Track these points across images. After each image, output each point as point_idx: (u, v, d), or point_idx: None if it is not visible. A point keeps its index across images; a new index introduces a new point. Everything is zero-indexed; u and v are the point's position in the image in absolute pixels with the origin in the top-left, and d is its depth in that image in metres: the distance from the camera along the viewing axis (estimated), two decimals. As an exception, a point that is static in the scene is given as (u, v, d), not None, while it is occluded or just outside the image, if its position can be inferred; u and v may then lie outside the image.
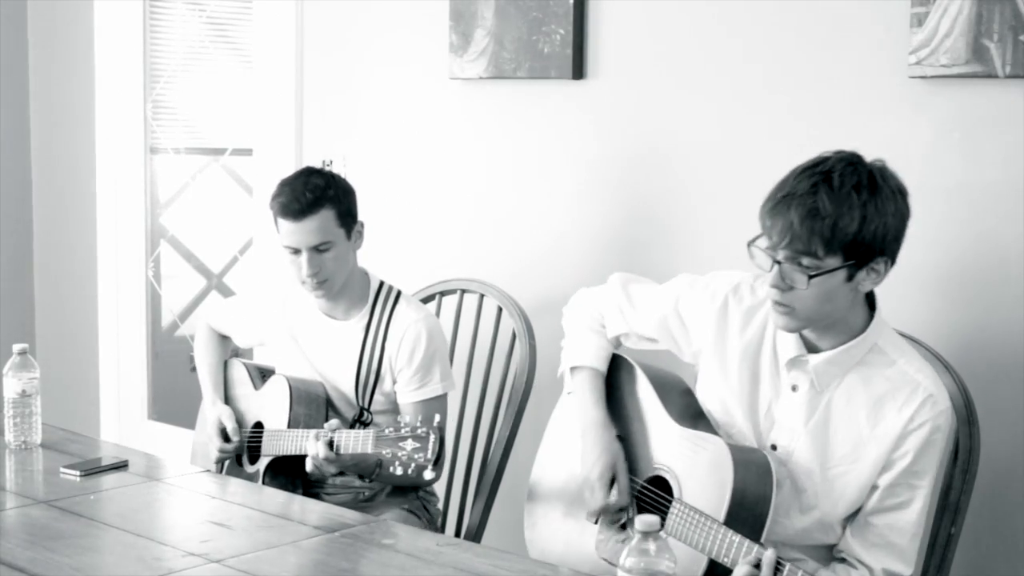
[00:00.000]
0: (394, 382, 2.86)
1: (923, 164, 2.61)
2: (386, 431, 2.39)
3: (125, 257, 4.52)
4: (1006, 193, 2.50)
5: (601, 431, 2.38)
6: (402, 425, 2.38)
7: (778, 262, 2.08)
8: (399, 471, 2.36)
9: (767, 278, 2.11)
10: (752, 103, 2.86)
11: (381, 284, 2.92)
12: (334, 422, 2.64)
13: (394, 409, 2.87)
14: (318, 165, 3.76)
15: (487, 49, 3.29)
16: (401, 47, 3.55)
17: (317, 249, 2.76)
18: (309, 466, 2.62)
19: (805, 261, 2.05)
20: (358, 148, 3.67)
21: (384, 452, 2.38)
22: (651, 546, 1.73)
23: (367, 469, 2.70)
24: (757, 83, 2.85)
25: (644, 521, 1.74)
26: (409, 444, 2.34)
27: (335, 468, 2.60)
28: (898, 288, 2.66)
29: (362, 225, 2.87)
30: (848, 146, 2.60)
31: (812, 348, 2.19)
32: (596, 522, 2.38)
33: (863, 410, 2.15)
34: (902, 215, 2.09)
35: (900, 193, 2.09)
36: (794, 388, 2.21)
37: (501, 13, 3.25)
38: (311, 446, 2.60)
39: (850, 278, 2.08)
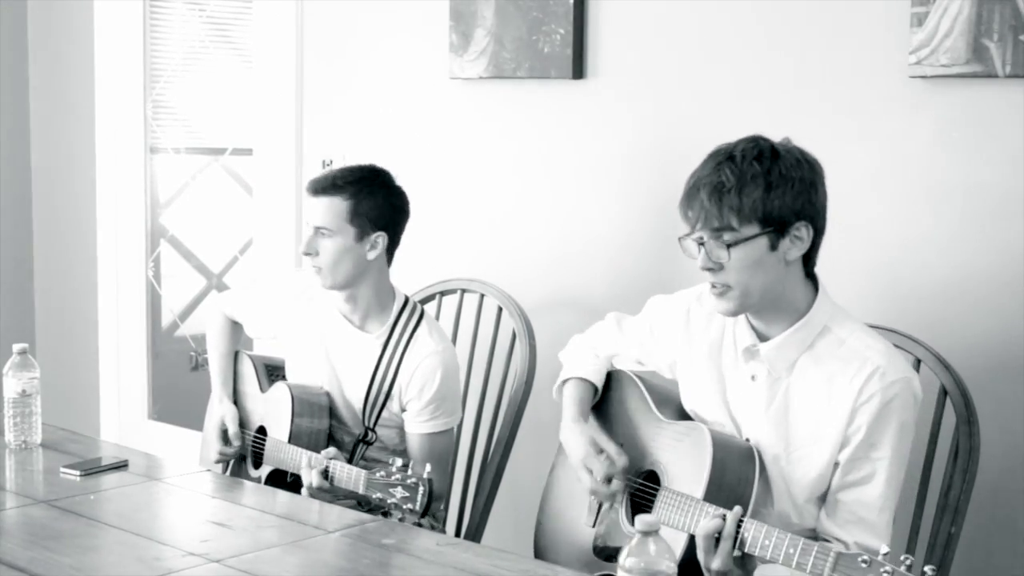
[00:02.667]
0: (403, 409, 2.84)
1: (923, 164, 2.62)
2: (378, 475, 2.40)
3: (125, 257, 4.52)
4: (1006, 193, 2.50)
5: (572, 425, 2.45)
6: (394, 471, 2.38)
7: (701, 244, 2.16)
8: (390, 514, 2.41)
9: (698, 263, 2.18)
10: (752, 103, 2.86)
11: (406, 301, 2.88)
12: (331, 450, 2.63)
13: (401, 426, 2.86)
14: (319, 165, 3.77)
15: (487, 49, 3.29)
16: (401, 47, 3.55)
17: (318, 230, 2.78)
18: (305, 493, 2.61)
19: (725, 236, 2.14)
20: (358, 148, 3.66)
21: (374, 496, 2.40)
22: (651, 546, 1.74)
23: (366, 499, 2.70)
24: (757, 83, 2.85)
25: (644, 521, 1.75)
26: (399, 492, 2.35)
27: (329, 497, 2.58)
28: (899, 288, 2.66)
29: (382, 239, 2.80)
30: (848, 146, 2.61)
31: (763, 337, 2.25)
32: (594, 524, 2.40)
33: (818, 391, 2.19)
34: (810, 180, 2.17)
35: (807, 162, 2.18)
36: (753, 378, 2.26)
37: (501, 13, 3.25)
38: (306, 473, 2.60)
39: (773, 247, 2.15)
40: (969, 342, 2.55)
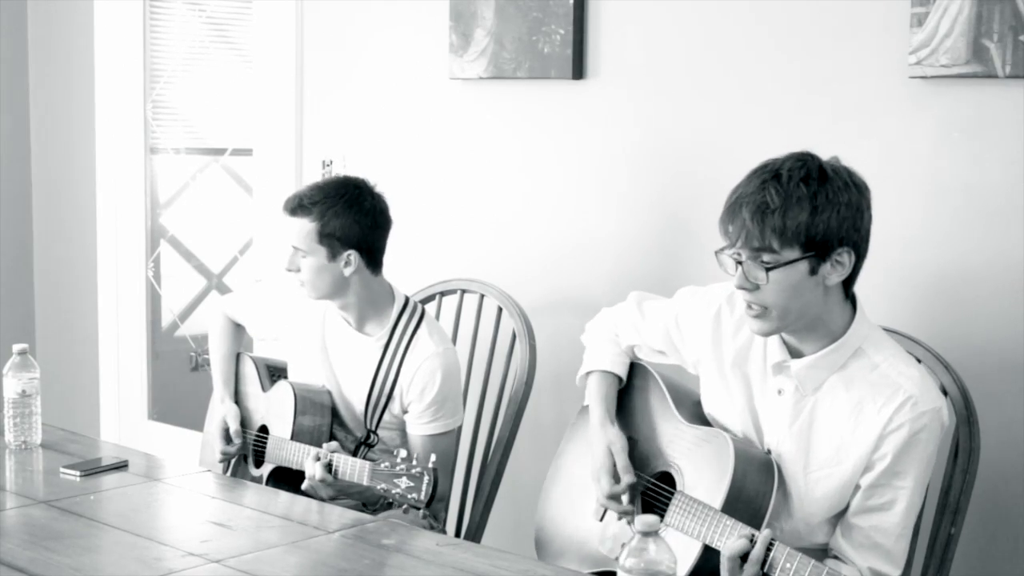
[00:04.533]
0: (404, 411, 2.85)
1: (923, 164, 2.62)
2: (382, 466, 2.40)
3: (125, 257, 4.52)
4: (1006, 193, 2.50)
5: (598, 428, 2.43)
6: (399, 461, 2.38)
7: (739, 262, 2.12)
8: (395, 506, 2.41)
9: (733, 282, 2.15)
10: (752, 103, 2.86)
11: (406, 303, 2.89)
12: (334, 444, 2.64)
13: (402, 428, 2.86)
14: (319, 165, 3.77)
15: (487, 49, 3.29)
16: (401, 47, 3.55)
17: (295, 250, 2.80)
18: (305, 485, 2.62)
19: (765, 257, 2.09)
20: (358, 148, 3.67)
21: (379, 487, 2.40)
22: (651, 546, 1.74)
23: (371, 498, 2.69)
24: (757, 83, 2.85)
25: (644, 521, 1.75)
26: (404, 482, 2.36)
27: (331, 492, 2.59)
28: (899, 288, 2.66)
29: (354, 257, 2.78)
30: (848, 146, 2.60)
31: (795, 353, 2.21)
32: (603, 518, 2.40)
33: (845, 414, 2.17)
34: (857, 205, 2.11)
35: (855, 185, 2.12)
36: (780, 392, 2.23)
37: (501, 13, 3.25)
38: (309, 466, 2.60)
39: (813, 271, 2.10)
40: (969, 342, 2.55)
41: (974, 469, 2.35)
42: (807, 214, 2.06)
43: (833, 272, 2.12)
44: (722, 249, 2.15)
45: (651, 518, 1.75)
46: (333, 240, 2.78)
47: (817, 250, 2.08)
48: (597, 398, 2.49)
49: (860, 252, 2.14)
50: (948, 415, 2.20)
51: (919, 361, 2.40)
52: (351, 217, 2.79)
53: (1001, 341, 2.53)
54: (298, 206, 2.80)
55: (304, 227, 2.78)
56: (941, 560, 2.37)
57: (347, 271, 2.80)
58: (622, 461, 2.36)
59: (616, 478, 2.37)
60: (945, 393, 2.38)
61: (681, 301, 2.46)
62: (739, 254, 2.12)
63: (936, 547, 2.37)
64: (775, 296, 2.11)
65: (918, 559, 2.40)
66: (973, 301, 2.57)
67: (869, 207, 2.15)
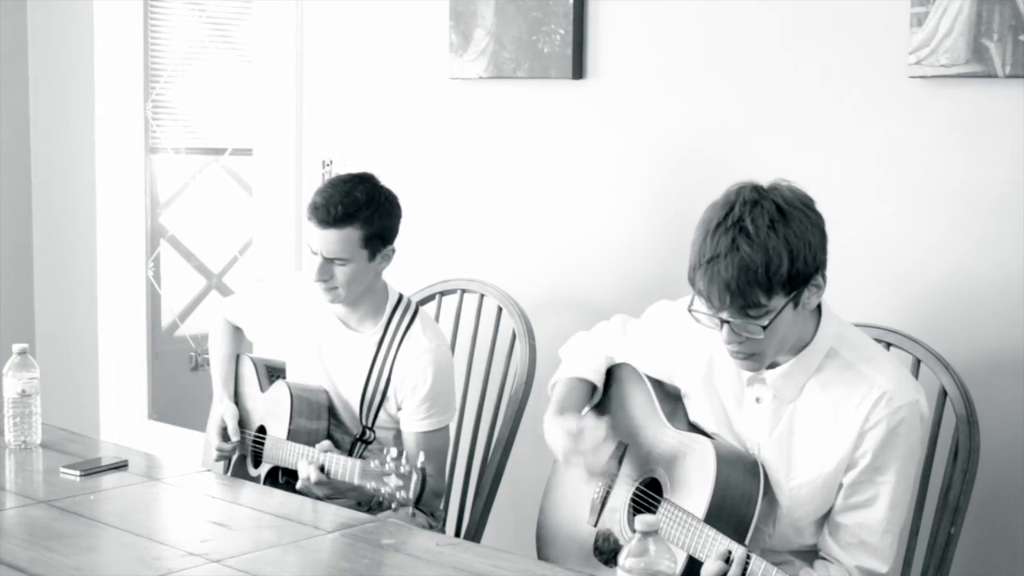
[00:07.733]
0: (398, 408, 2.85)
1: (923, 164, 2.61)
2: (372, 464, 2.41)
3: (125, 257, 4.52)
4: (1006, 193, 2.50)
5: (549, 421, 2.43)
6: (388, 460, 2.38)
7: (726, 322, 2.09)
8: (384, 504, 2.41)
9: (719, 335, 2.12)
10: (752, 103, 2.86)
11: (400, 299, 2.89)
12: (326, 443, 2.64)
13: (398, 427, 2.87)
14: (319, 165, 3.76)
15: (487, 49, 3.29)
16: (401, 47, 3.55)
17: (331, 260, 2.75)
18: (300, 486, 2.63)
19: (752, 312, 2.07)
20: (358, 148, 3.67)
21: (368, 485, 2.41)
22: (651, 546, 1.74)
23: (365, 497, 2.70)
24: (757, 83, 2.85)
25: (644, 521, 1.75)
26: (393, 481, 2.36)
27: (324, 491, 2.60)
28: (899, 288, 2.66)
29: (392, 251, 2.82)
30: (848, 147, 2.61)
31: (769, 364, 2.20)
32: (597, 523, 2.39)
33: (823, 416, 2.17)
34: (819, 227, 2.11)
35: (808, 208, 2.11)
36: (757, 400, 2.24)
37: (501, 13, 3.25)
38: (303, 467, 2.61)
39: (796, 304, 2.10)
40: (969, 342, 2.55)
41: (974, 469, 2.35)
42: (787, 262, 2.05)
43: (812, 297, 2.13)
44: (703, 312, 2.12)
45: (651, 518, 1.75)
46: (377, 241, 2.77)
47: (799, 287, 2.08)
48: (553, 399, 2.49)
49: (826, 268, 2.14)
50: (928, 406, 2.21)
51: (919, 361, 2.41)
52: (390, 214, 2.80)
53: (1001, 341, 2.53)
54: (343, 216, 2.71)
55: (350, 236, 2.73)
56: (941, 560, 2.37)
57: (382, 266, 2.82)
58: (585, 422, 2.34)
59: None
60: (945, 393, 2.38)
61: (652, 317, 2.48)
62: (723, 314, 2.09)
63: (936, 547, 2.37)
64: (768, 342, 2.11)
65: (918, 559, 2.40)
66: (973, 301, 2.57)
67: (824, 221, 2.13)
